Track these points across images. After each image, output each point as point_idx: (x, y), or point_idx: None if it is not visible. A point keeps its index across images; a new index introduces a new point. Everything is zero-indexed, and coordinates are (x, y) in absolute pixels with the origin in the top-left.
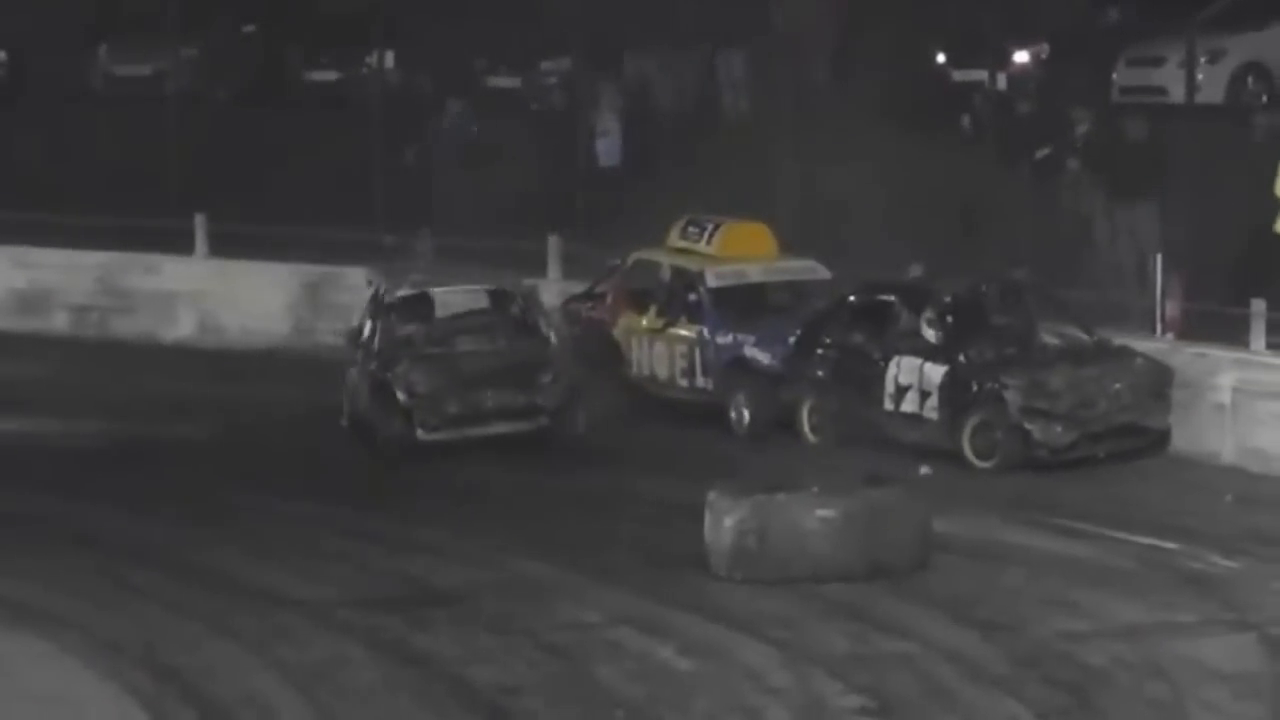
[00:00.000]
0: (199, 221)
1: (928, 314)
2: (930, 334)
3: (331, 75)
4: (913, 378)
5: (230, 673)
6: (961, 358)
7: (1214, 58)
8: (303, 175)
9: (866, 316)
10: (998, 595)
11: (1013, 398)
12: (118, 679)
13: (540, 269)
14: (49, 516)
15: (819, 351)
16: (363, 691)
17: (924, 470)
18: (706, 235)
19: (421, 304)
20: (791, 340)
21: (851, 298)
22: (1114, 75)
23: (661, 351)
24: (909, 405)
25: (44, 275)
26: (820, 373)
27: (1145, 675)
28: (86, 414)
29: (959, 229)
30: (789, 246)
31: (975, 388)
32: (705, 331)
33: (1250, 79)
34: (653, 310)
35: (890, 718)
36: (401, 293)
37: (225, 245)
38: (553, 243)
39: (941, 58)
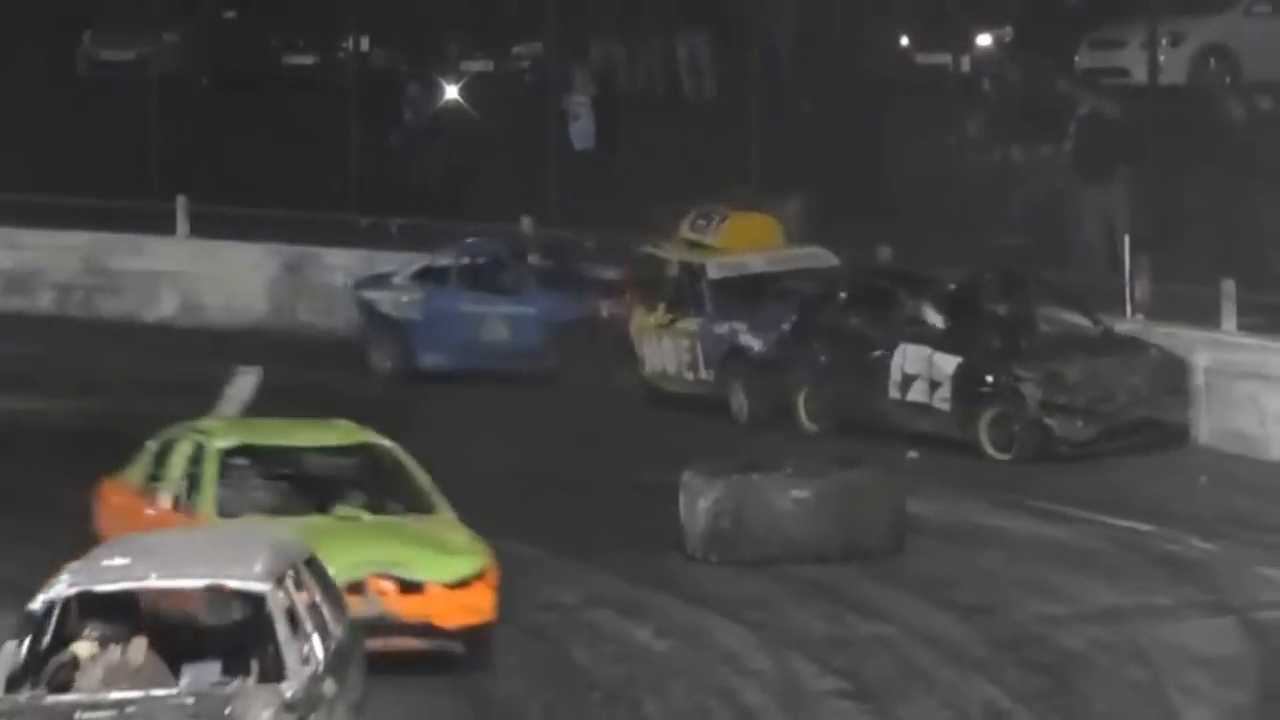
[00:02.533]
0: (180, 203)
1: (930, 302)
2: (934, 322)
3: (309, 59)
4: (920, 367)
5: None
6: (974, 349)
7: (1176, 40)
8: (281, 157)
9: (864, 302)
10: (975, 578)
11: (1031, 391)
12: None
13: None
14: (33, 493)
15: (816, 338)
16: None
17: (911, 455)
18: (713, 227)
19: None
20: (785, 326)
21: (848, 283)
22: (1077, 57)
23: (669, 346)
24: (916, 394)
25: (30, 255)
26: (821, 359)
27: (1124, 659)
28: (71, 392)
29: (928, 208)
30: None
31: (991, 380)
32: (704, 322)
33: (1212, 61)
34: (661, 306)
35: (868, 700)
36: (50, 595)
37: (206, 226)
38: (525, 224)
39: (905, 41)
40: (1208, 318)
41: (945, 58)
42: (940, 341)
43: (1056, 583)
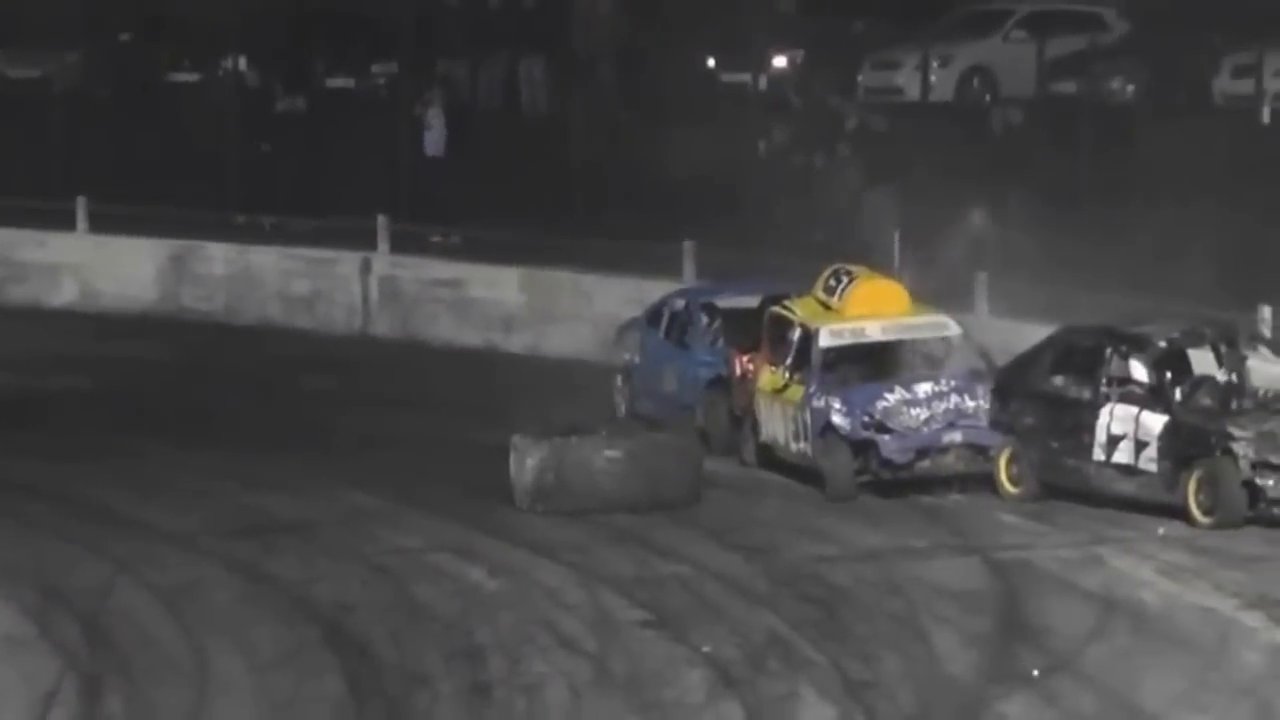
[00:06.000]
0: (80, 203)
1: (1142, 360)
2: (1145, 380)
3: (193, 77)
4: (1127, 427)
5: (107, 592)
6: (1182, 407)
7: (944, 62)
8: (168, 162)
9: (1072, 362)
10: (759, 524)
11: (1244, 451)
12: (12, 599)
13: (371, 244)
14: None
15: (1020, 400)
16: (220, 608)
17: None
18: (840, 289)
19: None
20: (879, 405)
21: (1056, 342)
22: (859, 77)
23: (778, 414)
24: (1122, 456)
25: None
26: (1026, 420)
27: (884, 593)
28: None
29: (727, 208)
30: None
31: (1200, 439)
32: (806, 394)
33: (975, 80)
34: (783, 369)
35: (667, 629)
36: None
37: (103, 223)
38: (381, 221)
39: (711, 62)
40: (964, 303)
41: (745, 77)
42: (1148, 400)
43: (827, 528)
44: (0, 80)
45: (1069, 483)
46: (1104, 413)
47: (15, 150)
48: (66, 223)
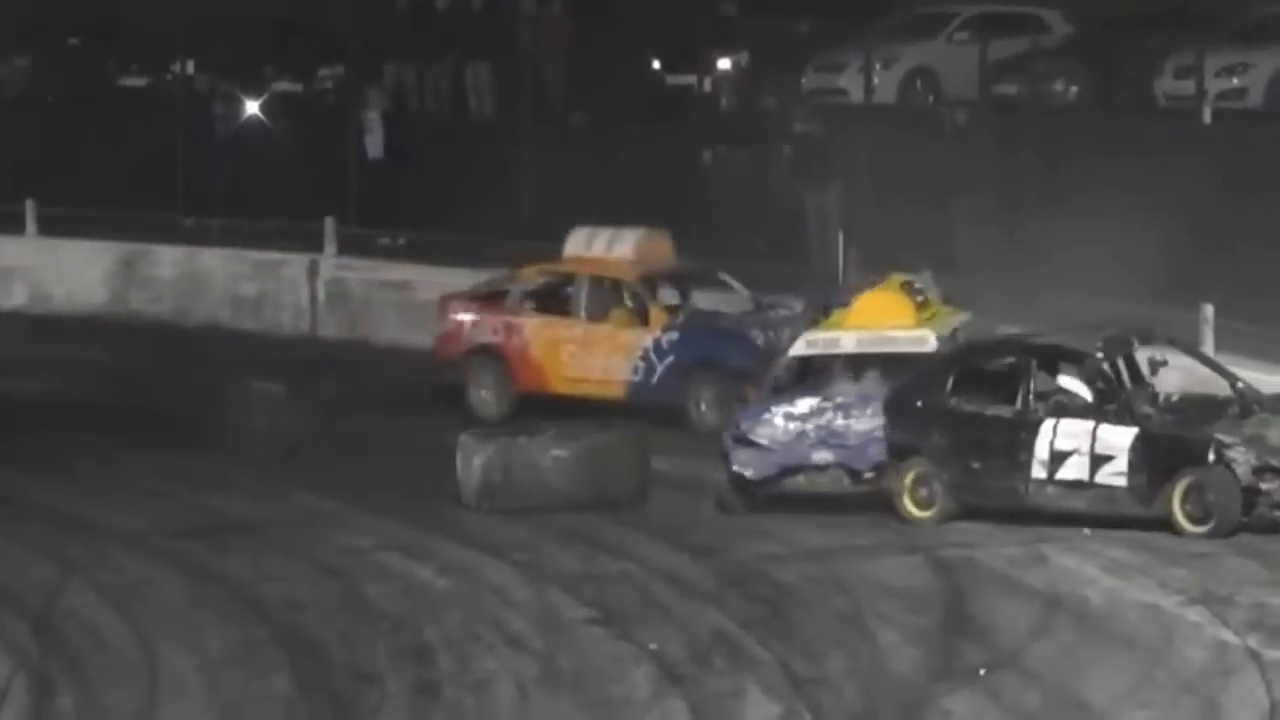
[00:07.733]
0: (29, 206)
1: (1079, 374)
2: (1085, 394)
3: (142, 81)
4: (1079, 442)
5: (58, 593)
6: (1151, 418)
7: (888, 64)
8: (117, 165)
9: (983, 379)
10: (706, 523)
11: (1241, 456)
12: None
13: (318, 247)
14: None
15: (924, 420)
16: (170, 607)
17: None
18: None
19: None
20: (763, 417)
21: (957, 360)
22: (803, 79)
23: None
24: (1071, 472)
25: None
26: (937, 441)
27: (830, 591)
28: None
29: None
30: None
31: (1183, 449)
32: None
33: (919, 82)
34: None
35: (614, 627)
36: None
37: (52, 226)
38: (328, 223)
39: (657, 64)
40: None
41: (691, 79)
42: (1102, 413)
43: (774, 527)
44: None
45: (996, 503)
46: (1045, 429)
47: None
48: (15, 226)
